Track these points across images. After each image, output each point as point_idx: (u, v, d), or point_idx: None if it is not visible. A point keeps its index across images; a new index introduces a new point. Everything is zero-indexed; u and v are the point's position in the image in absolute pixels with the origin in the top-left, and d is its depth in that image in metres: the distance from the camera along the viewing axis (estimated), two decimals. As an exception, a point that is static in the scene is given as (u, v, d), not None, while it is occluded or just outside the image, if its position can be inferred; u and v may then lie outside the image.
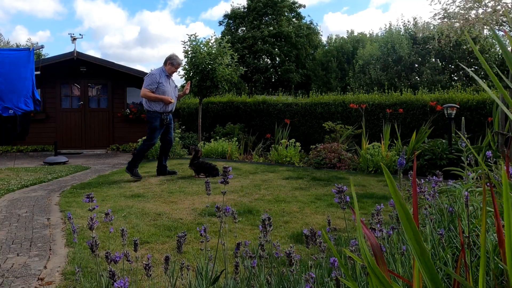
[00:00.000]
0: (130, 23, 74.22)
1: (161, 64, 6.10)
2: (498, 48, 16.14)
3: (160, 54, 73.14)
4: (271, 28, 27.88)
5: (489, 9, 5.19)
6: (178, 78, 14.03)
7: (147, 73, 6.26)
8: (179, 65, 6.01)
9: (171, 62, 5.90)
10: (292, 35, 27.91)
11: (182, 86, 10.13)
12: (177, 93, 6.18)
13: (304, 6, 30.45)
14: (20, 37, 62.98)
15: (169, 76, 5.93)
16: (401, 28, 19.44)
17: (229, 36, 10.44)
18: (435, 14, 6.27)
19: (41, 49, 6.28)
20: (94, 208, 1.62)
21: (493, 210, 1.44)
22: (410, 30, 18.52)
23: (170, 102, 5.84)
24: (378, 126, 8.87)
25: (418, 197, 1.92)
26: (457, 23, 5.57)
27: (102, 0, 70.41)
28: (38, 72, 7.40)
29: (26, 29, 62.19)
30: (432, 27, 7.26)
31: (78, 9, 66.78)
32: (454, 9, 5.78)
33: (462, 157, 2.23)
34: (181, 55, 8.22)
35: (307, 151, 7.80)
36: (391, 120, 8.20)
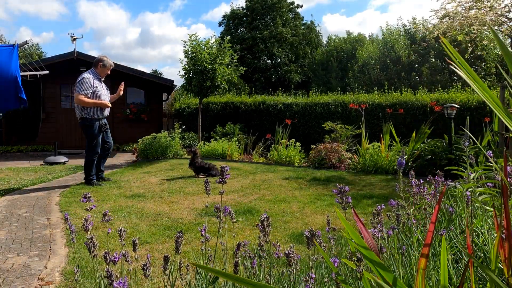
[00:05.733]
0: (132, 24, 74.43)
1: (161, 65, 6.03)
2: (498, 50, 16.13)
3: (161, 55, 73.29)
4: (271, 28, 27.91)
5: (487, 8, 5.19)
6: (178, 78, 14.03)
7: (148, 73, 6.18)
8: (111, 66, 5.68)
9: (102, 64, 5.56)
10: (288, 35, 27.95)
11: (182, 86, 10.15)
12: (109, 96, 5.78)
13: (301, 6, 30.51)
14: (25, 38, 63.22)
15: (101, 79, 5.60)
16: (400, 29, 19.43)
17: (229, 37, 10.38)
18: (436, 13, 6.28)
19: (25, 45, 6.01)
20: (92, 208, 1.61)
21: (493, 210, 1.44)
22: (409, 30, 18.51)
23: (108, 107, 5.55)
24: (378, 126, 8.87)
25: (418, 197, 1.92)
26: (456, 22, 5.57)
27: (105, 2, 70.62)
28: (46, 72, 7.40)
29: (30, 30, 62.49)
30: (430, 25, 7.26)
31: (80, 10, 66.96)
32: (454, 9, 5.78)
33: (464, 157, 2.23)
34: (181, 55, 8.16)
35: (307, 151, 7.79)
36: (391, 120, 8.19)
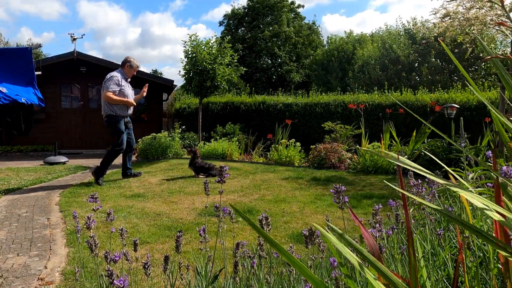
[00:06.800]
0: (132, 24, 74.57)
1: (161, 65, 6.08)
2: (498, 50, 16.13)
3: (161, 55, 73.35)
4: (271, 28, 27.93)
5: (488, 8, 5.19)
6: (178, 78, 14.08)
7: (148, 73, 6.21)
8: (137, 67, 5.89)
9: (129, 65, 5.77)
10: (292, 35, 27.97)
11: (182, 86, 10.15)
12: (134, 96, 5.97)
13: (303, 6, 30.57)
14: (25, 38, 63.55)
15: (127, 78, 5.80)
16: (400, 29, 19.43)
17: (230, 37, 10.37)
18: (436, 13, 6.28)
19: (39, 48, 6.33)
20: (98, 209, 1.62)
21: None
22: (409, 30, 18.51)
23: (133, 105, 5.75)
24: (378, 126, 8.87)
25: (417, 197, 1.92)
26: (456, 22, 5.57)
27: (105, 2, 70.76)
28: (39, 72, 7.42)
29: (31, 30, 62.67)
30: (431, 25, 7.26)
31: (81, 11, 67.12)
32: (454, 8, 5.78)
33: (461, 158, 2.24)
34: (181, 55, 8.18)
35: (307, 151, 7.80)
36: (391, 120, 8.20)
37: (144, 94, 6.13)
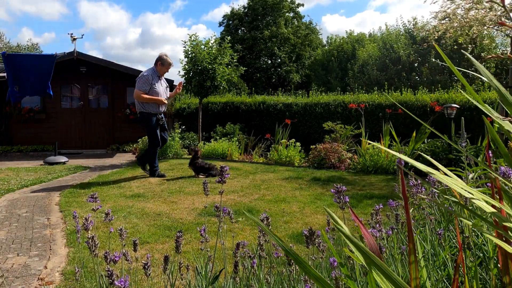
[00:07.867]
0: (133, 24, 74.55)
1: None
2: (499, 50, 16.13)
3: (161, 55, 73.24)
4: (271, 28, 27.94)
5: (487, 9, 5.19)
6: (178, 78, 14.07)
7: None
8: (169, 65, 5.97)
9: (161, 63, 5.88)
10: (292, 35, 27.99)
11: (183, 86, 10.15)
12: (168, 93, 6.15)
13: (303, 5, 30.58)
14: (26, 38, 63.62)
15: (160, 76, 5.92)
16: (400, 28, 19.43)
17: (229, 37, 10.38)
18: (436, 14, 6.28)
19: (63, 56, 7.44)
20: (98, 209, 1.62)
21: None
22: (410, 30, 18.51)
23: (164, 103, 5.88)
24: (378, 126, 8.87)
25: (417, 197, 1.92)
26: (456, 23, 5.57)
27: (106, 2, 70.76)
28: None
29: (32, 30, 62.65)
30: (431, 27, 7.26)
31: (81, 11, 67.15)
32: (453, 9, 5.78)
33: (462, 158, 2.24)
34: (181, 55, 8.25)
35: (307, 151, 7.80)
36: (391, 120, 8.20)
37: (179, 91, 6.29)
